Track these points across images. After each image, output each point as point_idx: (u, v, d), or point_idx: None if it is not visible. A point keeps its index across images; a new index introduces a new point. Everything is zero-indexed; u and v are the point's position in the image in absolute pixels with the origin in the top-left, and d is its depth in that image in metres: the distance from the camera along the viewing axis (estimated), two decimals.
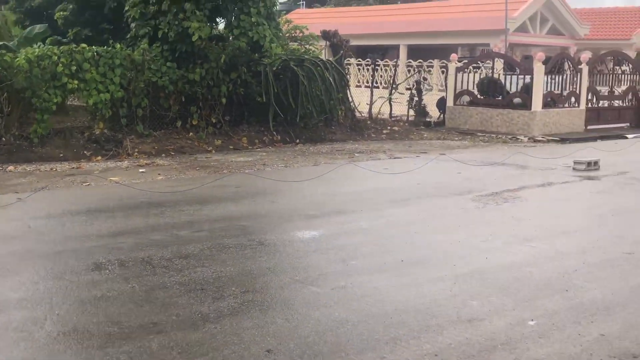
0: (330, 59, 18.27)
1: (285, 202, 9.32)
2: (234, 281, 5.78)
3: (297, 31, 19.51)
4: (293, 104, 15.91)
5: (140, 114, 14.36)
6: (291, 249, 6.88)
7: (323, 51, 19.84)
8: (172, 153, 13.66)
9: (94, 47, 14.09)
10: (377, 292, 5.56)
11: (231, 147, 14.67)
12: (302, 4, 43.40)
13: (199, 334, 4.67)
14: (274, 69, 15.91)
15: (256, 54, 15.94)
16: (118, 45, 14.34)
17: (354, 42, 23.83)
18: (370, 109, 20.22)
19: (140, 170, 11.72)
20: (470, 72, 20.73)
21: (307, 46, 19.07)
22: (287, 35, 19.23)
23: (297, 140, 15.87)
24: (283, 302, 5.29)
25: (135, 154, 13.22)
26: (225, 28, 16.52)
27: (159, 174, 11.30)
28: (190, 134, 14.83)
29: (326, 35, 19.49)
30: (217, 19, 16.86)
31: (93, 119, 14.47)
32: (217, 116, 15.36)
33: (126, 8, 15.67)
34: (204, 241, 7.03)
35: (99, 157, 12.84)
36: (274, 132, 15.72)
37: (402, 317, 5.01)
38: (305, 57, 16.94)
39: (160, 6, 15.12)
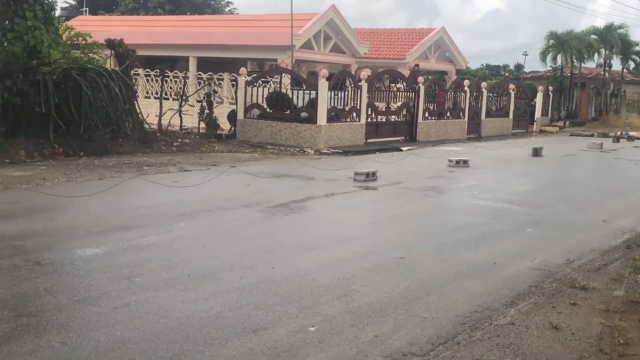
0: (116, 68, 17.68)
1: (66, 219, 8.84)
2: (6, 305, 5.38)
3: (80, 39, 18.59)
4: (76, 115, 15.17)
5: None
6: (71, 268, 6.54)
7: (108, 60, 19.10)
8: None
9: None
10: (162, 308, 5.48)
11: (7, 160, 13.61)
12: (86, 10, 41.37)
13: None
14: (55, 77, 15.07)
15: (34, 61, 14.98)
16: None
17: (142, 52, 23.27)
18: (159, 120, 19.85)
19: None
20: (259, 86, 21.20)
21: (90, 55, 18.25)
22: (69, 42, 18.25)
23: (81, 153, 15.13)
24: (60, 325, 5.03)
25: None
26: None
27: None
28: None
29: (111, 44, 18.83)
30: None
31: None
32: None
33: None
34: None
35: None
36: (56, 145, 14.84)
37: (187, 332, 4.99)
38: (89, 66, 16.24)
39: None
